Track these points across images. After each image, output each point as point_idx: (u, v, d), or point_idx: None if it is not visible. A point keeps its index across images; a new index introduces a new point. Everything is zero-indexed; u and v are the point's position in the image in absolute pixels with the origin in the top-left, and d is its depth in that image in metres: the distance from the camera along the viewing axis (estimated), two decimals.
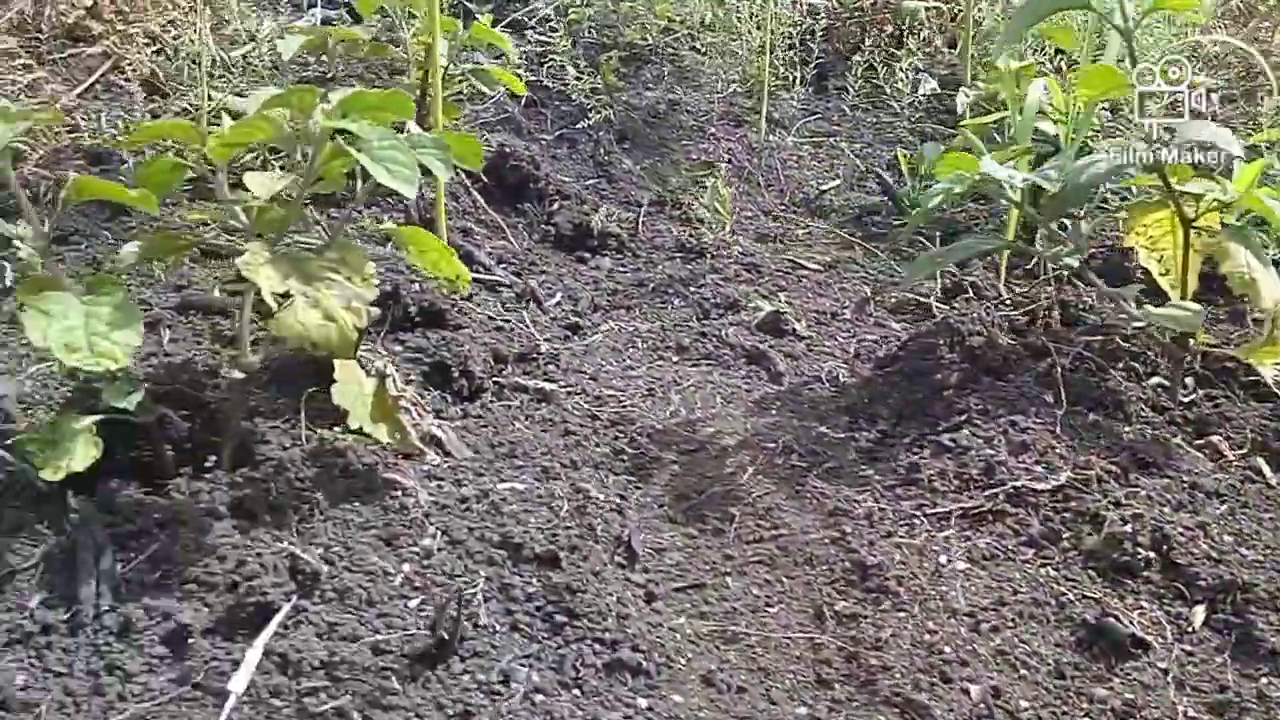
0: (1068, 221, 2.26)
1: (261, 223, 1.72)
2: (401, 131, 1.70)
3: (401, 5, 2.87)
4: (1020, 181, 2.02)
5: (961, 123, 3.25)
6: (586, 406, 2.13)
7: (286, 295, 1.54)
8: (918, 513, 1.81)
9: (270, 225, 1.71)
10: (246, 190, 1.71)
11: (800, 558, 1.76)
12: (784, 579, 1.72)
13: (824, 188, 3.78)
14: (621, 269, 3.00)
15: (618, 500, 1.84)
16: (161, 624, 1.52)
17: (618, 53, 4.37)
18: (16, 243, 1.63)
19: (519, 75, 3.04)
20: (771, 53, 3.90)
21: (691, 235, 3.21)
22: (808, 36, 4.36)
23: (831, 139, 4.18)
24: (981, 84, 3.26)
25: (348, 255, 1.63)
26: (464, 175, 2.99)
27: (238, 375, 1.73)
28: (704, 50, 4.64)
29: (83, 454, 1.55)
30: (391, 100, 1.67)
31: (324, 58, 3.22)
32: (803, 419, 2.17)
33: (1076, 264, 2.20)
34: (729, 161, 3.85)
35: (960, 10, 4.68)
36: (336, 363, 1.69)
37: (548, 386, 2.14)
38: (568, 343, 2.43)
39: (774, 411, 2.20)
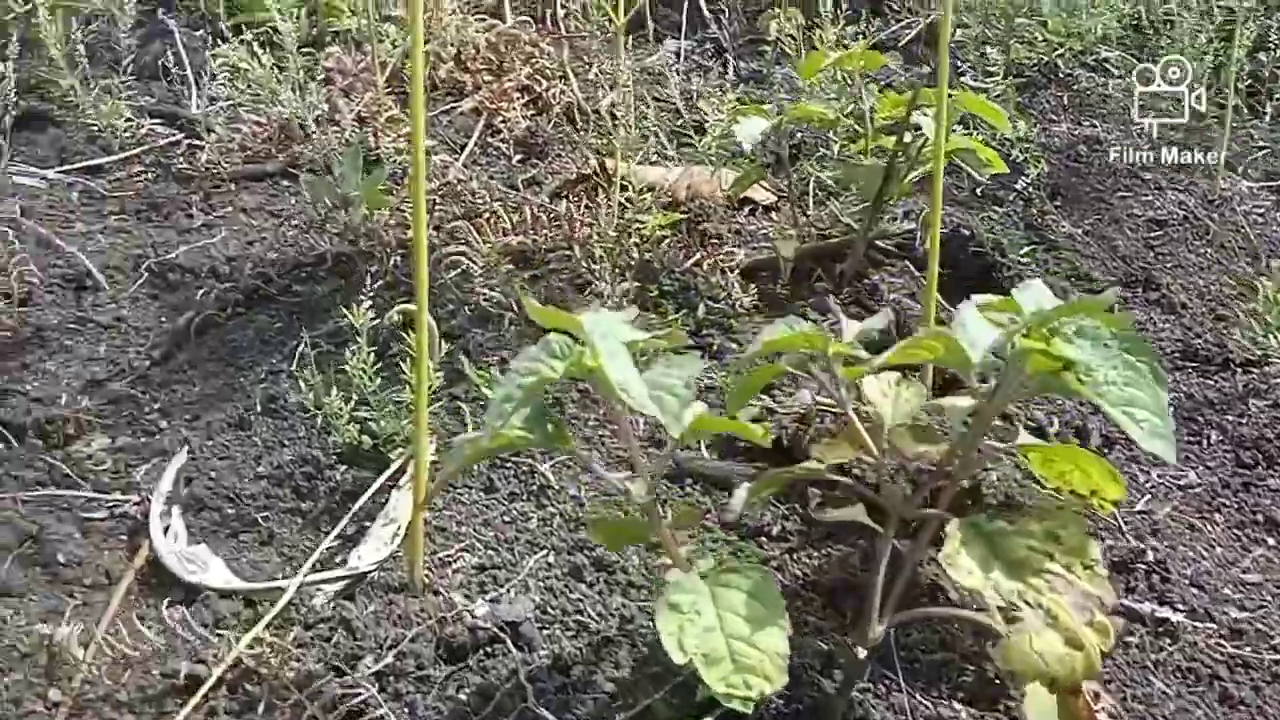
0: None
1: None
2: None
3: (859, 70, 2.40)
4: None
5: None
6: (1229, 650, 1.61)
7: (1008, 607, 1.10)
8: None
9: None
10: None
11: None
12: None
13: None
14: None
15: None
16: None
17: (1013, 79, 3.77)
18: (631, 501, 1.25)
19: None
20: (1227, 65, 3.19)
21: (1197, 336, 2.60)
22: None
23: None
24: None
25: (1062, 531, 1.17)
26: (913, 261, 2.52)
27: (861, 654, 1.31)
28: (1111, 69, 3.96)
29: None
30: (1097, 308, 1.20)
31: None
32: None
33: None
34: (1185, 220, 3.19)
35: None
36: None
37: (1173, 617, 1.63)
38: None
39: None
